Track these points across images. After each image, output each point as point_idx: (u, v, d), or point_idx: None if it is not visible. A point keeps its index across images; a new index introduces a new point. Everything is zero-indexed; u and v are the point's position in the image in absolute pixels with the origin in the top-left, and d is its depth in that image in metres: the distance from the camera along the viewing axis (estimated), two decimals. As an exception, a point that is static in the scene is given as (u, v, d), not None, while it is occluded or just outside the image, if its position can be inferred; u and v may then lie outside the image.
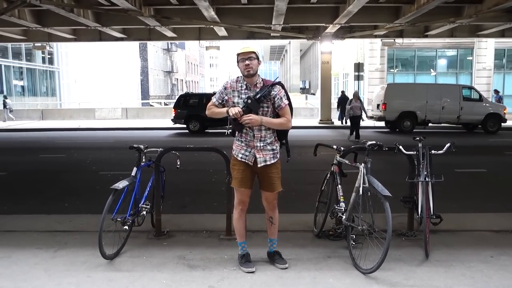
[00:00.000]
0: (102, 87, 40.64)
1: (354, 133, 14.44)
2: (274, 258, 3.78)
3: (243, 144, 3.62)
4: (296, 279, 3.48)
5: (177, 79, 62.53)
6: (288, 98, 3.64)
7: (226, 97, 3.60)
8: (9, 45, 30.11)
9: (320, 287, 3.33)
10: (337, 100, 22.37)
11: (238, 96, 3.55)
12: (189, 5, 14.68)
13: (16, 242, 4.34)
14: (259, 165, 3.57)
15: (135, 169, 4.20)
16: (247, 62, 3.47)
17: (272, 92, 3.53)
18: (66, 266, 3.75)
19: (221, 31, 18.76)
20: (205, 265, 3.75)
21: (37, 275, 3.57)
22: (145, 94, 47.32)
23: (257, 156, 3.57)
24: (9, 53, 31.83)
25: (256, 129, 3.55)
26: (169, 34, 19.43)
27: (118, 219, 3.95)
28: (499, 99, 21.72)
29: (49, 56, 37.07)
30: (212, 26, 17.56)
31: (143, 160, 4.37)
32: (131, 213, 4.11)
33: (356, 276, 3.53)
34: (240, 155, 3.62)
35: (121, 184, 3.91)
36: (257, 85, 3.56)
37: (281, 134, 3.70)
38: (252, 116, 3.45)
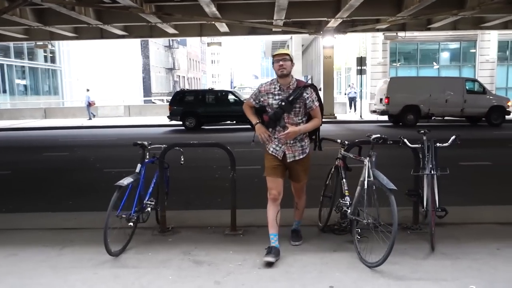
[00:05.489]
0: (104, 85, 40.63)
1: None
2: (291, 235, 4.14)
3: (275, 139, 3.83)
4: (302, 273, 3.47)
5: (179, 76, 62.42)
6: (319, 99, 3.87)
7: (261, 99, 3.84)
8: (11, 44, 30.17)
9: (326, 281, 3.33)
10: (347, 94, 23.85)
11: (273, 98, 3.77)
12: (190, 1, 14.69)
13: (22, 240, 4.36)
14: (288, 160, 3.84)
15: (139, 165, 4.20)
16: (281, 62, 3.66)
17: (304, 94, 3.73)
18: (72, 263, 3.76)
19: (223, 27, 18.72)
20: (210, 261, 3.75)
21: (44, 272, 3.58)
22: (147, 91, 47.32)
23: (287, 152, 3.82)
24: (11, 52, 31.90)
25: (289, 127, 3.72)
26: (171, 31, 19.40)
27: (123, 216, 3.95)
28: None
29: (51, 55, 37.14)
30: (213, 22, 17.53)
31: (147, 156, 4.37)
32: (136, 210, 4.11)
33: (362, 269, 3.52)
34: (271, 149, 3.86)
35: (126, 181, 3.91)
36: (291, 87, 3.74)
37: (313, 130, 3.98)
38: (289, 132, 3.65)
